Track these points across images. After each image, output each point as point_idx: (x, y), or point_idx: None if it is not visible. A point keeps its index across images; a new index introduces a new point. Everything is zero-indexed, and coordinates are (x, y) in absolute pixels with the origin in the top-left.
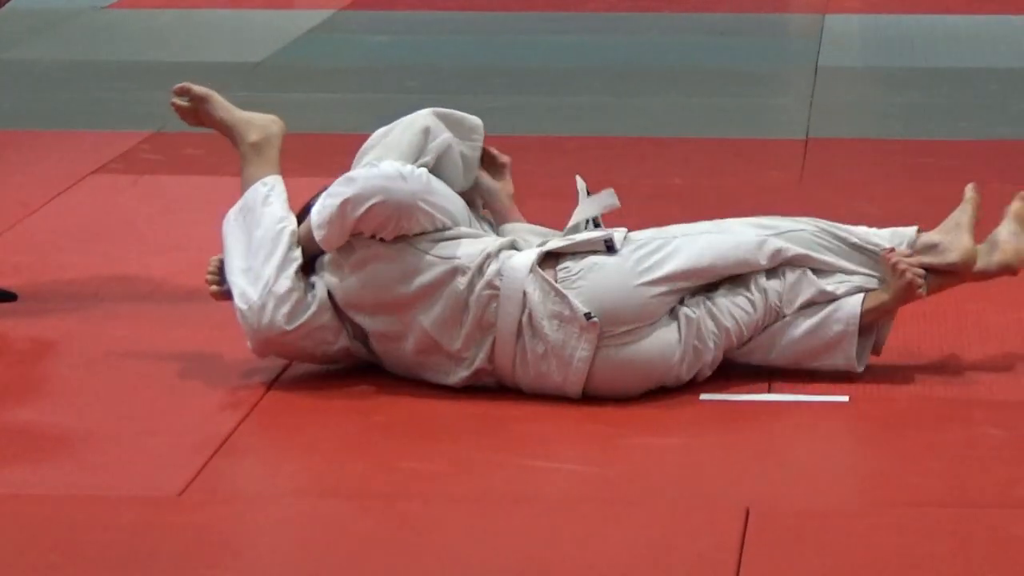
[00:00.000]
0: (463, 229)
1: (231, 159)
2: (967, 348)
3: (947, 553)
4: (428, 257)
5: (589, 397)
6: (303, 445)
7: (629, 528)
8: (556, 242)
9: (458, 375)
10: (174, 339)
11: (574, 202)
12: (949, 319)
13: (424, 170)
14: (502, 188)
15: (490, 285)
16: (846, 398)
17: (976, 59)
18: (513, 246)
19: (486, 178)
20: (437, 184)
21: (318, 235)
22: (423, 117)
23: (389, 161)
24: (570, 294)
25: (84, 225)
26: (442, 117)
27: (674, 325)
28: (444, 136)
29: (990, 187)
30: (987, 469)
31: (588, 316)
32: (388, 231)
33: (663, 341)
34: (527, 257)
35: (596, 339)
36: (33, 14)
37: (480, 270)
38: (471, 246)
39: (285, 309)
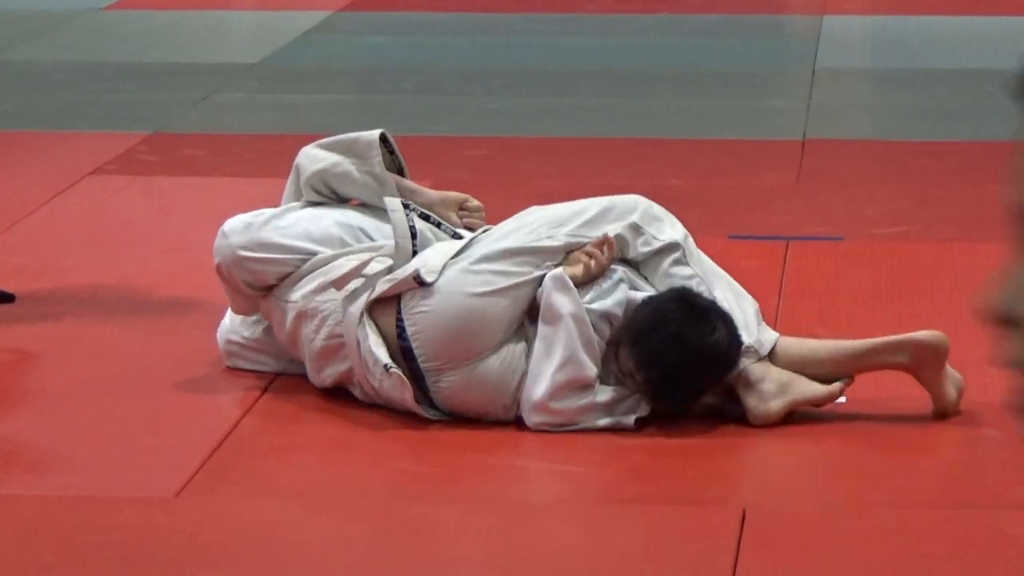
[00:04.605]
0: (320, 259)
1: (229, 161)
2: (963, 349)
3: (944, 554)
4: (283, 304)
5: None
6: (299, 446)
7: (625, 529)
8: (379, 287)
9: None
10: (172, 340)
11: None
12: (946, 320)
13: (259, 218)
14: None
15: (332, 335)
16: (843, 399)
17: (973, 60)
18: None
19: (423, 195)
20: (281, 222)
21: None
22: (300, 155)
23: (231, 219)
24: (383, 344)
25: (82, 226)
26: (328, 146)
27: (521, 344)
28: (319, 166)
29: (987, 188)
30: (984, 470)
31: (387, 368)
32: (247, 284)
33: (509, 358)
34: (358, 307)
35: (407, 382)
36: (31, 15)
37: (321, 318)
38: (309, 284)
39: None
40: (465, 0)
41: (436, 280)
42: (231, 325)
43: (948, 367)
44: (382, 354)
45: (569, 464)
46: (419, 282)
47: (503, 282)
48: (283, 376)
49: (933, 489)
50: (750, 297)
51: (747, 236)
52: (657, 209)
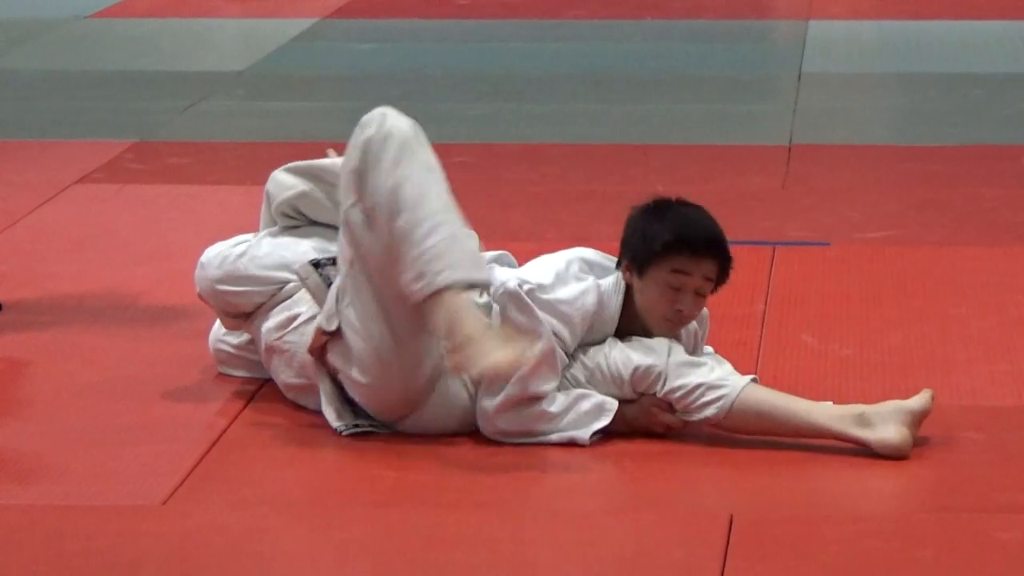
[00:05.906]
0: (288, 290)
1: (214, 168)
2: (950, 353)
3: (930, 559)
4: (258, 332)
5: None
6: (287, 454)
7: (613, 536)
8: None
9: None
10: (158, 348)
11: (559, 210)
12: (932, 324)
13: (236, 249)
14: None
15: (299, 374)
16: (829, 404)
17: (960, 64)
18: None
19: None
20: (259, 251)
21: None
22: (268, 182)
23: (209, 249)
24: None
25: (67, 234)
26: (297, 171)
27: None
28: (288, 194)
29: (973, 192)
30: (970, 474)
31: (338, 432)
32: (225, 312)
33: (445, 394)
34: (309, 355)
35: (366, 431)
36: (15, 24)
37: (288, 356)
38: (275, 318)
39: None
40: (450, 7)
41: (337, 325)
42: (220, 333)
43: (894, 426)
44: (331, 417)
45: (558, 472)
46: (325, 333)
47: (391, 334)
48: (270, 384)
49: (920, 494)
50: None
51: (733, 241)
52: None
